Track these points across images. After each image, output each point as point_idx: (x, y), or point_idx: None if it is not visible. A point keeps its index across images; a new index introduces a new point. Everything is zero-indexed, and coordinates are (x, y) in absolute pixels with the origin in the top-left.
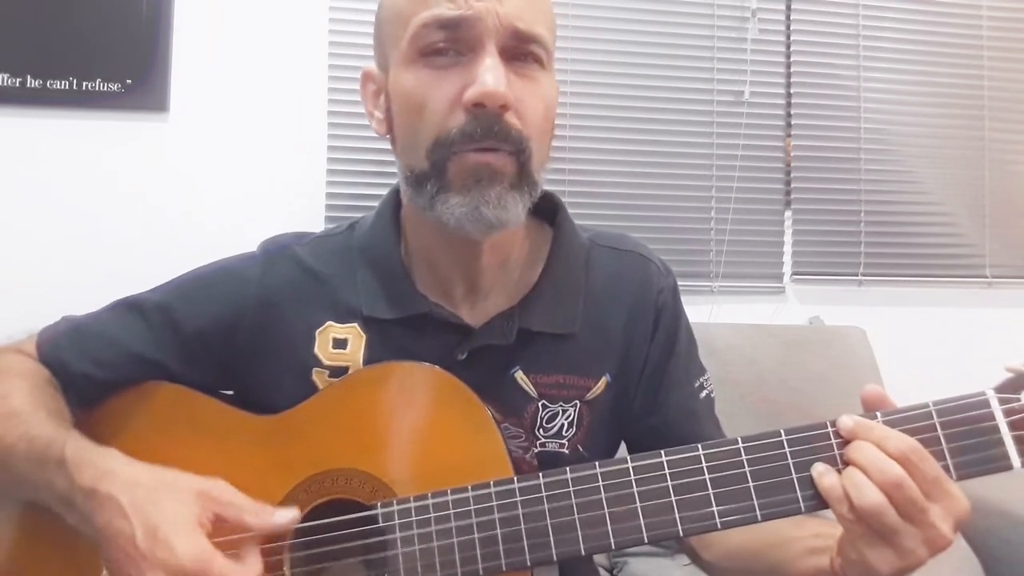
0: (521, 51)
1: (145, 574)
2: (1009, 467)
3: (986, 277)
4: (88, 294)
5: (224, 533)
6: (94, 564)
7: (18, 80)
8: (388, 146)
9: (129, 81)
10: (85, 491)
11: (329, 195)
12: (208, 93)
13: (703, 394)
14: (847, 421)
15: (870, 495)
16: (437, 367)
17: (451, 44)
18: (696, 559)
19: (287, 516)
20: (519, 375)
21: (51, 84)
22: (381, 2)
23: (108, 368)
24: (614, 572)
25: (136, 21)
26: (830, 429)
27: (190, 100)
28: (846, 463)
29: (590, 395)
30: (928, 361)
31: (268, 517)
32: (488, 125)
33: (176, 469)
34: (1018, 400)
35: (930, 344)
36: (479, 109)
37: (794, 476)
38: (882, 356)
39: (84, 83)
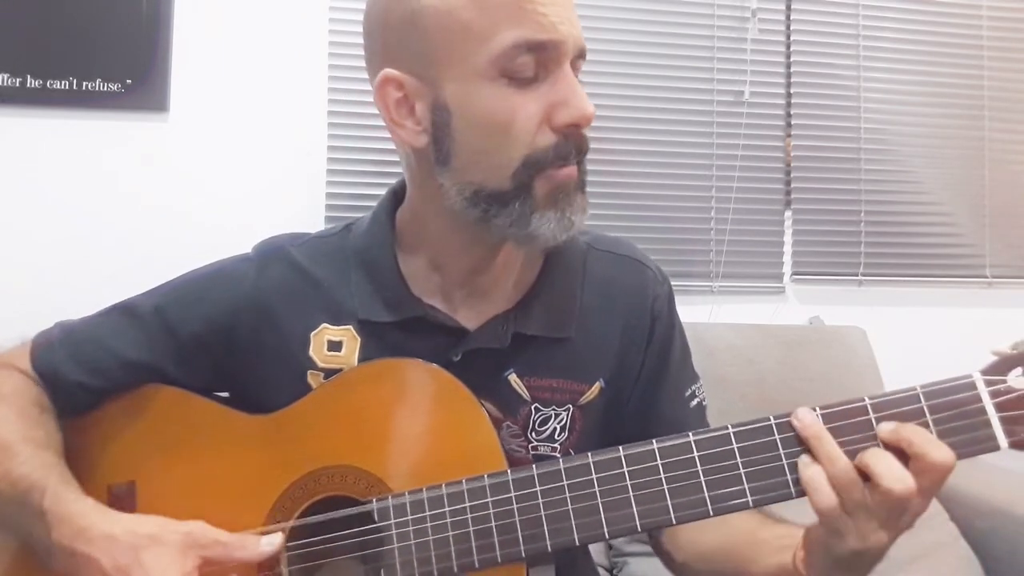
0: (575, 66)
1: None
2: (996, 448)
3: (986, 277)
4: (87, 294)
5: (214, 571)
6: None
7: (18, 80)
8: (389, 146)
9: (129, 81)
10: (63, 549)
11: (329, 195)
12: (208, 93)
13: (694, 402)
14: (805, 417)
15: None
16: (430, 363)
17: (536, 67)
18: (670, 563)
19: (273, 542)
20: (512, 378)
21: (51, 84)
22: (412, 6)
23: (102, 376)
24: (614, 572)
25: (136, 21)
26: (819, 412)
27: (190, 100)
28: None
29: (583, 400)
30: (928, 361)
31: (255, 548)
32: (580, 145)
33: (171, 472)
34: (1004, 382)
35: (930, 344)
36: (572, 130)
37: (784, 461)
38: (882, 356)
39: (84, 83)
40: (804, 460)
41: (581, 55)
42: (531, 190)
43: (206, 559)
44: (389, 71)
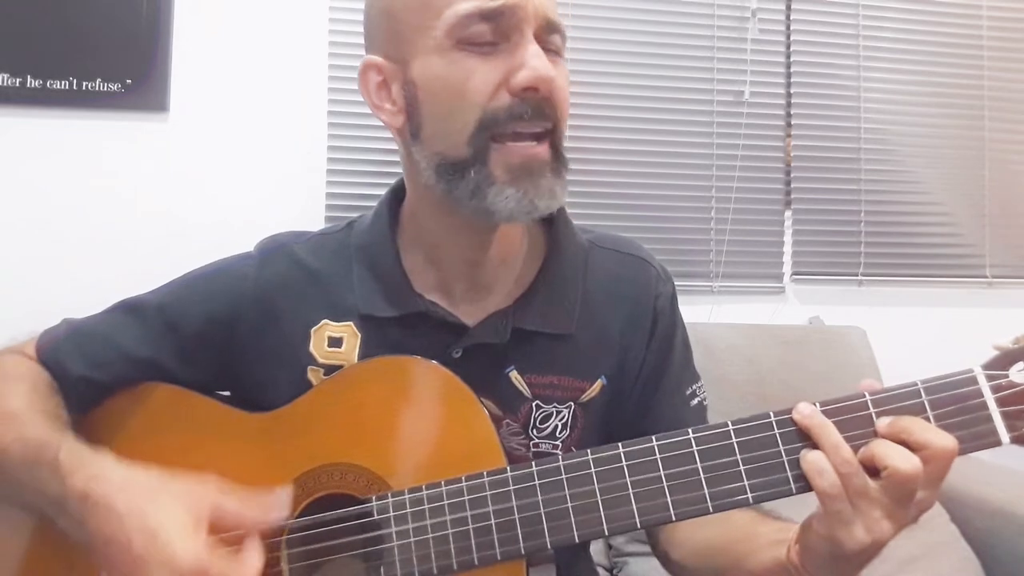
0: (546, 40)
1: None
2: (998, 443)
3: (986, 277)
4: (88, 294)
5: (223, 529)
6: (92, 570)
7: (18, 80)
8: (388, 146)
9: (129, 81)
10: (78, 494)
11: (329, 195)
12: (208, 93)
13: (694, 402)
14: (805, 409)
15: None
16: (429, 360)
17: (494, 35)
18: (666, 562)
19: (282, 500)
20: (513, 374)
21: (51, 84)
22: None
23: (107, 370)
24: (614, 572)
25: (136, 21)
26: (819, 407)
27: (190, 100)
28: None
29: (584, 397)
30: (928, 361)
31: (263, 512)
32: (537, 107)
33: (170, 470)
34: (1006, 377)
35: (930, 344)
36: (530, 93)
37: (785, 458)
38: (882, 356)
39: (84, 83)
40: (806, 450)
41: (552, 28)
42: (487, 158)
43: (216, 513)
44: (369, 57)
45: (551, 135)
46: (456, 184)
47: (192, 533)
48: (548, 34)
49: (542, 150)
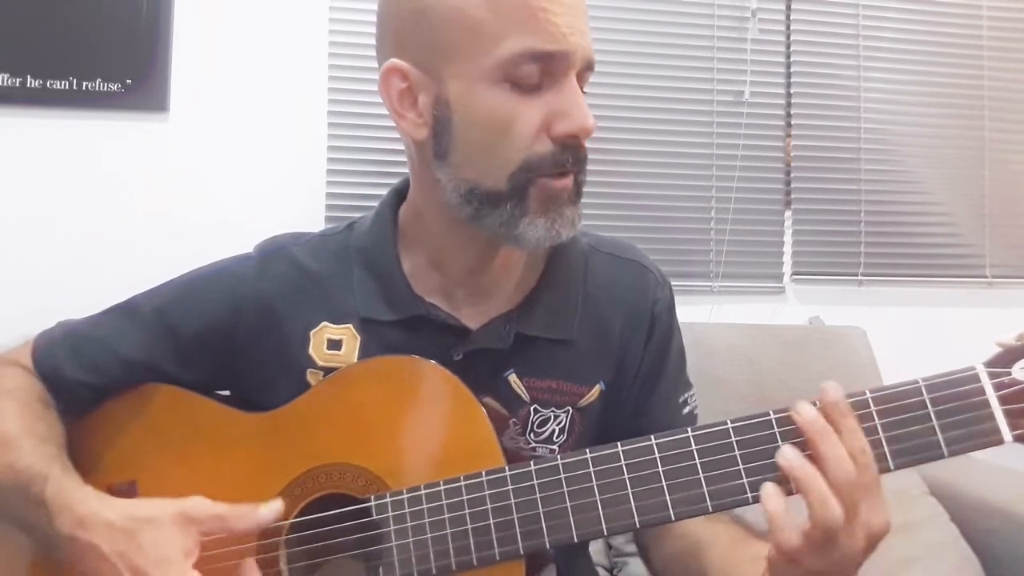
0: (583, 78)
1: None
2: (1000, 441)
3: (986, 277)
4: (88, 294)
5: (216, 547)
6: None
7: (18, 80)
8: (388, 146)
9: (129, 81)
10: (65, 537)
11: (329, 195)
12: (208, 93)
13: (686, 410)
14: (806, 412)
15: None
16: (428, 360)
17: (541, 76)
18: (648, 563)
19: (272, 509)
20: (512, 378)
21: (51, 84)
22: None
23: (103, 374)
24: (614, 572)
25: (136, 21)
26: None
27: (190, 100)
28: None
29: (583, 402)
30: (928, 361)
31: (253, 517)
32: (577, 156)
33: (169, 471)
34: (1008, 374)
35: (930, 344)
36: (570, 140)
37: None
38: (882, 356)
39: (84, 83)
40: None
41: (589, 67)
42: (526, 195)
43: (205, 533)
44: (395, 61)
45: (578, 173)
46: (487, 212)
47: (182, 564)
48: (585, 72)
49: (569, 182)
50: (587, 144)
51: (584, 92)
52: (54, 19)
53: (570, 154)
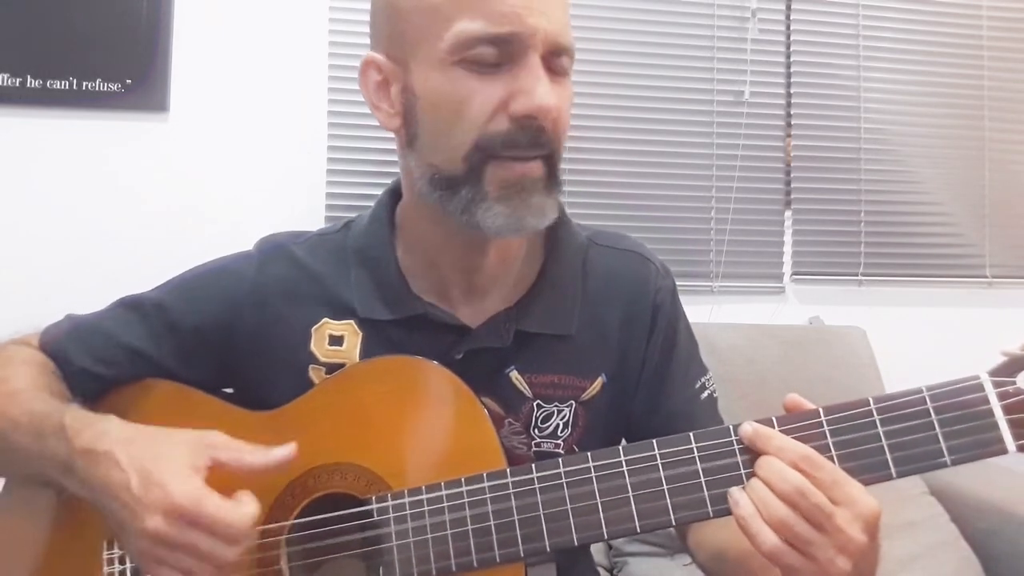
0: (553, 62)
1: (141, 516)
2: (1004, 451)
3: (986, 277)
4: (88, 293)
5: (225, 478)
6: (96, 542)
7: (18, 80)
8: (388, 146)
9: (129, 81)
10: (83, 452)
11: (329, 195)
12: (208, 93)
13: (704, 395)
14: (747, 429)
15: (777, 507)
16: (431, 361)
17: (498, 57)
18: (696, 562)
19: (286, 450)
20: (514, 375)
21: (51, 84)
22: None
23: (107, 364)
24: (614, 572)
25: (136, 21)
26: (823, 415)
27: (190, 100)
28: (750, 477)
29: (585, 395)
30: (928, 361)
31: (267, 455)
32: (535, 136)
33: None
34: (1013, 383)
35: (930, 344)
36: (529, 120)
37: None
38: (882, 356)
39: (84, 83)
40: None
41: (561, 50)
42: (481, 177)
43: (217, 461)
44: (371, 54)
45: (548, 158)
46: (449, 198)
47: (188, 472)
48: (556, 56)
49: (535, 166)
50: (587, 144)
51: (569, 77)
52: (54, 19)
53: (529, 135)
